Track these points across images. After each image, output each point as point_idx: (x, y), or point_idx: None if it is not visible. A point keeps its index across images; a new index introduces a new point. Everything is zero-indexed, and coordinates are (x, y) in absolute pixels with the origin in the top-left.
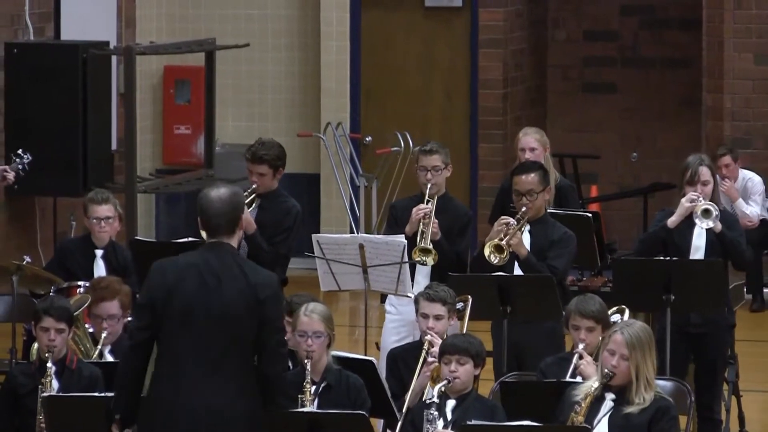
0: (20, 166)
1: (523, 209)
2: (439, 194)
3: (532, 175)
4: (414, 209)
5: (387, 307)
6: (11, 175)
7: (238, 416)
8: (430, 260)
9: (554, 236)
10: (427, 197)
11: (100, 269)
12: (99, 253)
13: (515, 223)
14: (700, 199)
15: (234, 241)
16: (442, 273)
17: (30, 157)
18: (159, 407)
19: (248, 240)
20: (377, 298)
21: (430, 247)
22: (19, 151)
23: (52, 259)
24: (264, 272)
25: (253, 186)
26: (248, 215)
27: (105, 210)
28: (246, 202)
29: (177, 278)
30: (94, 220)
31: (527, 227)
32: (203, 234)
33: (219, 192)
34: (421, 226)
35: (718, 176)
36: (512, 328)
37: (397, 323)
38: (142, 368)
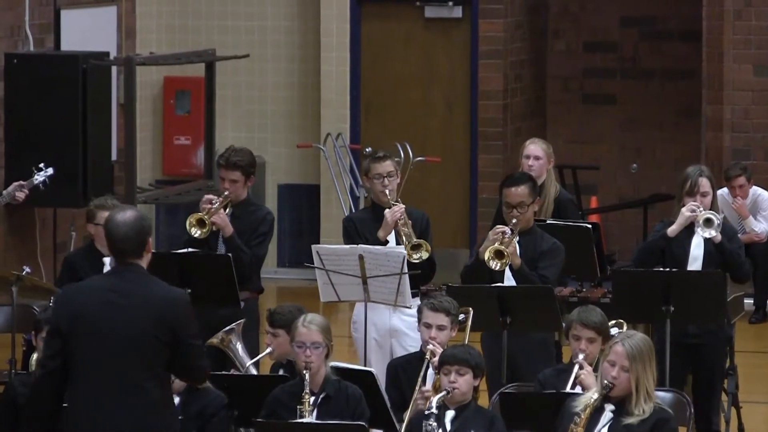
0: (41, 179)
1: (514, 221)
2: (395, 200)
3: (522, 187)
4: (388, 212)
5: (354, 317)
6: (22, 195)
7: None
8: (423, 253)
9: (543, 247)
10: (392, 202)
11: None
12: (107, 260)
13: (510, 232)
14: (701, 209)
15: (143, 263)
16: (413, 277)
17: (52, 171)
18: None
19: (226, 242)
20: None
21: (419, 241)
22: (41, 165)
23: (61, 277)
24: (173, 290)
25: (225, 193)
26: (225, 218)
27: None
28: (220, 206)
29: (82, 303)
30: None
31: (516, 238)
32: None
33: (125, 216)
34: (401, 228)
35: (730, 195)
36: (508, 338)
37: (374, 334)
38: (55, 396)
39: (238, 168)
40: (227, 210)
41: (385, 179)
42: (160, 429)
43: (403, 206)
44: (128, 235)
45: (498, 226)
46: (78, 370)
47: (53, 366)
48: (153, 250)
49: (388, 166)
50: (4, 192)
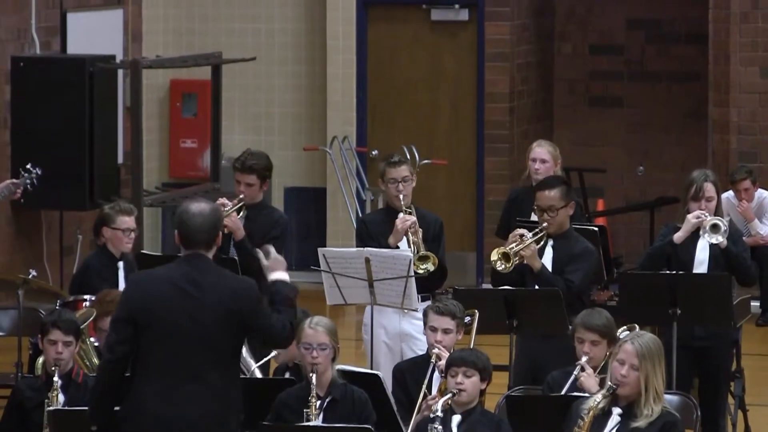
0: (28, 181)
1: (545, 225)
2: (409, 205)
3: (554, 191)
4: (398, 220)
5: (365, 320)
6: (19, 192)
7: (218, 428)
8: (430, 266)
9: (574, 251)
10: (404, 208)
11: (122, 280)
12: (120, 264)
13: (530, 235)
14: (707, 215)
15: (210, 255)
16: (424, 281)
17: (39, 172)
18: (140, 420)
19: (237, 246)
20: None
21: (427, 253)
22: (28, 166)
23: (80, 281)
24: (242, 280)
25: (240, 196)
26: (237, 222)
27: (132, 221)
28: (234, 209)
29: (156, 291)
30: (123, 231)
31: (550, 242)
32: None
33: (200, 207)
34: (411, 237)
35: (735, 198)
36: (530, 342)
37: (383, 338)
38: (119, 382)
39: (254, 172)
40: (241, 213)
41: (400, 184)
42: (222, 419)
43: (415, 217)
44: (204, 226)
45: (519, 229)
46: (144, 360)
47: (122, 352)
48: (161, 253)
49: (403, 171)
50: None
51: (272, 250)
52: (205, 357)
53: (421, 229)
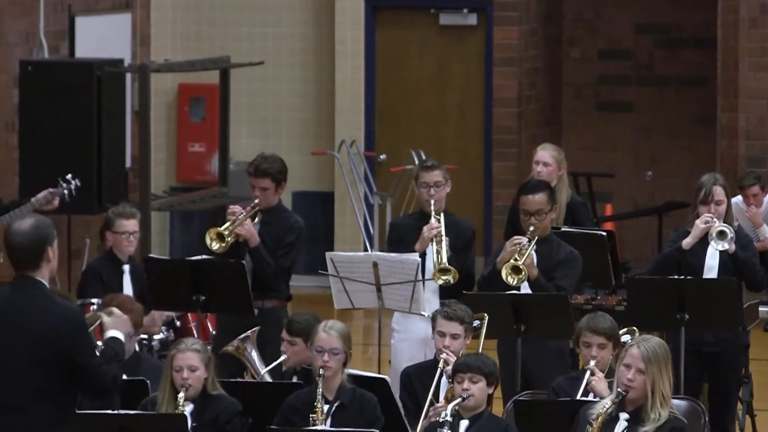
0: (66, 191)
1: (531, 229)
2: (441, 210)
3: (540, 194)
4: (425, 228)
5: (393, 325)
6: (56, 201)
7: None
8: (451, 278)
9: (560, 256)
10: (434, 214)
11: (128, 284)
12: (126, 268)
13: (527, 242)
14: (715, 220)
15: (40, 274)
16: (450, 288)
17: (78, 183)
18: None
19: (251, 253)
20: (391, 316)
21: (449, 266)
22: (68, 176)
23: (84, 284)
24: (66, 310)
25: (256, 201)
26: (251, 229)
27: (133, 225)
28: (248, 216)
29: None
30: (123, 235)
31: (533, 247)
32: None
33: (21, 225)
34: (435, 245)
35: (744, 204)
36: (515, 347)
37: (407, 342)
38: None
39: (268, 175)
40: (256, 218)
41: (432, 188)
42: None
43: (442, 226)
44: (23, 244)
45: (515, 237)
46: None
47: None
48: (168, 257)
49: (436, 175)
50: (33, 199)
51: (115, 310)
52: (24, 388)
53: (447, 238)
